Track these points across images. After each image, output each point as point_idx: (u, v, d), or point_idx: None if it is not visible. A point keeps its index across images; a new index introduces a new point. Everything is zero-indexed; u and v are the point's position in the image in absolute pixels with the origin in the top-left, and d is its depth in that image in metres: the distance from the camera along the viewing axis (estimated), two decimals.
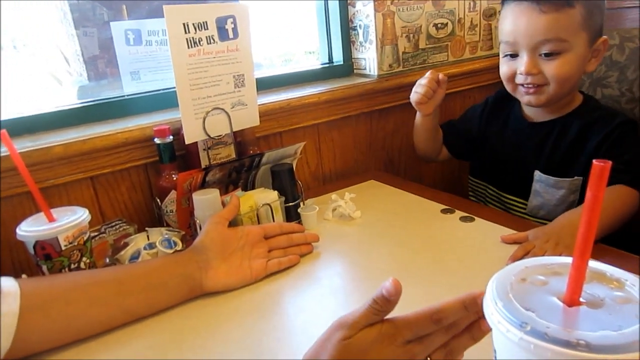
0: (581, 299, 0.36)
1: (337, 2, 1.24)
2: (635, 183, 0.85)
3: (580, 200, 0.93)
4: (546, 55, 0.87)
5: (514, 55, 0.92)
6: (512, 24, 0.89)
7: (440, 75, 1.02)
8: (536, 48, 0.88)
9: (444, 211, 0.95)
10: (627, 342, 0.31)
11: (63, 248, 0.68)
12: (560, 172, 0.95)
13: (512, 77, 0.93)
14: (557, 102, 0.94)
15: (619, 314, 0.34)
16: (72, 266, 0.70)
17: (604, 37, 0.90)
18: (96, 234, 0.81)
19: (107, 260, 0.78)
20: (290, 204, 0.93)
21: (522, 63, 0.89)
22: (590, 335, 0.32)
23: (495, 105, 1.09)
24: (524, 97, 0.94)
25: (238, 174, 0.92)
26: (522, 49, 0.89)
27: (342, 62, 1.30)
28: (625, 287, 0.37)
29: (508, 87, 0.96)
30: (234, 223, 0.84)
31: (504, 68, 0.95)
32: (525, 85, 0.91)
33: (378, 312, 0.44)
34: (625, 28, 1.10)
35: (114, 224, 0.86)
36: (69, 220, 0.69)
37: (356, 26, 1.26)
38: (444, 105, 1.42)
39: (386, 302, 0.44)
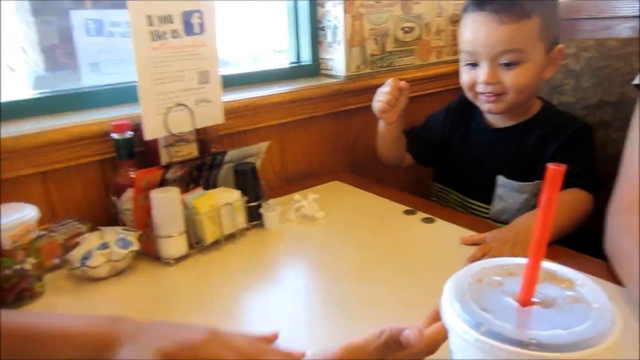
0: (534, 299, 0.37)
1: (307, 2, 1.24)
2: (590, 187, 0.87)
3: None
4: (505, 65, 0.89)
5: (474, 65, 0.93)
6: (472, 34, 0.91)
7: (402, 83, 1.02)
8: (495, 58, 0.89)
9: (406, 212, 0.96)
10: (577, 340, 0.32)
11: (7, 247, 0.64)
12: (523, 177, 0.97)
13: (472, 85, 0.95)
14: (516, 109, 0.96)
15: (570, 313, 0.35)
16: (16, 267, 0.66)
17: (561, 45, 0.92)
18: (45, 232, 0.77)
19: (56, 260, 0.75)
20: (253, 204, 0.92)
21: (482, 73, 0.91)
22: (542, 335, 0.32)
23: (458, 112, 1.11)
24: (485, 105, 0.96)
25: (199, 172, 0.90)
26: (481, 59, 0.91)
27: (309, 62, 1.30)
28: (576, 286, 0.38)
29: (469, 95, 0.98)
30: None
31: (465, 77, 0.96)
32: (485, 94, 0.93)
33: (386, 353, 0.44)
34: (581, 38, 1.14)
35: (65, 222, 0.83)
36: (14, 217, 0.65)
37: (325, 26, 1.25)
38: (409, 109, 1.43)
39: (399, 347, 0.43)
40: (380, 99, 1.03)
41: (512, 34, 0.86)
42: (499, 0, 0.87)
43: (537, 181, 0.95)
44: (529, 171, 0.96)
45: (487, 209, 1.03)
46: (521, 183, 0.96)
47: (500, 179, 0.99)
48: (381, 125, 1.09)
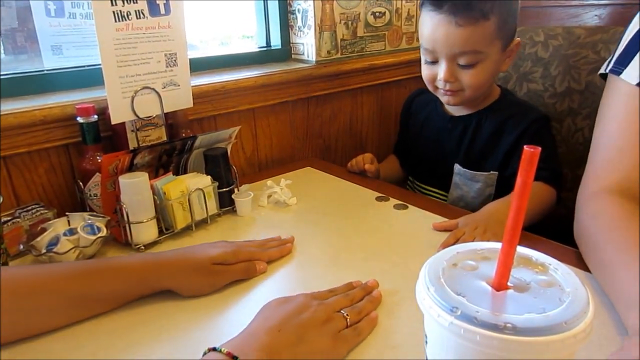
0: (509, 283, 0.37)
1: None
2: (552, 180, 0.89)
3: (496, 194, 0.97)
4: (463, 65, 0.89)
5: (434, 61, 0.93)
6: (431, 33, 0.89)
7: (367, 166, 1.08)
8: (454, 58, 0.89)
9: (378, 199, 0.96)
10: (551, 324, 0.32)
11: None
12: (477, 166, 0.98)
13: (432, 80, 0.95)
14: (474, 99, 0.97)
15: (543, 297, 0.35)
16: None
17: (517, 39, 0.93)
18: (9, 218, 0.75)
19: (22, 247, 0.73)
20: (224, 189, 0.91)
21: (441, 70, 0.91)
22: (517, 319, 0.33)
23: (417, 102, 1.13)
24: (443, 97, 0.97)
25: (169, 157, 0.88)
26: (440, 57, 0.91)
27: (280, 47, 1.28)
28: (549, 271, 0.39)
29: (429, 88, 0.99)
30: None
31: (425, 72, 0.96)
32: (444, 89, 0.94)
33: None
34: (550, 26, 1.15)
35: (30, 208, 0.80)
36: None
37: (295, 10, 1.23)
38: (380, 95, 1.43)
39: None
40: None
41: (469, 36, 0.86)
42: (455, 0, 0.85)
43: (492, 172, 0.96)
44: (484, 161, 0.98)
45: (445, 196, 1.05)
46: (475, 172, 0.98)
47: (457, 167, 1.01)
48: None
